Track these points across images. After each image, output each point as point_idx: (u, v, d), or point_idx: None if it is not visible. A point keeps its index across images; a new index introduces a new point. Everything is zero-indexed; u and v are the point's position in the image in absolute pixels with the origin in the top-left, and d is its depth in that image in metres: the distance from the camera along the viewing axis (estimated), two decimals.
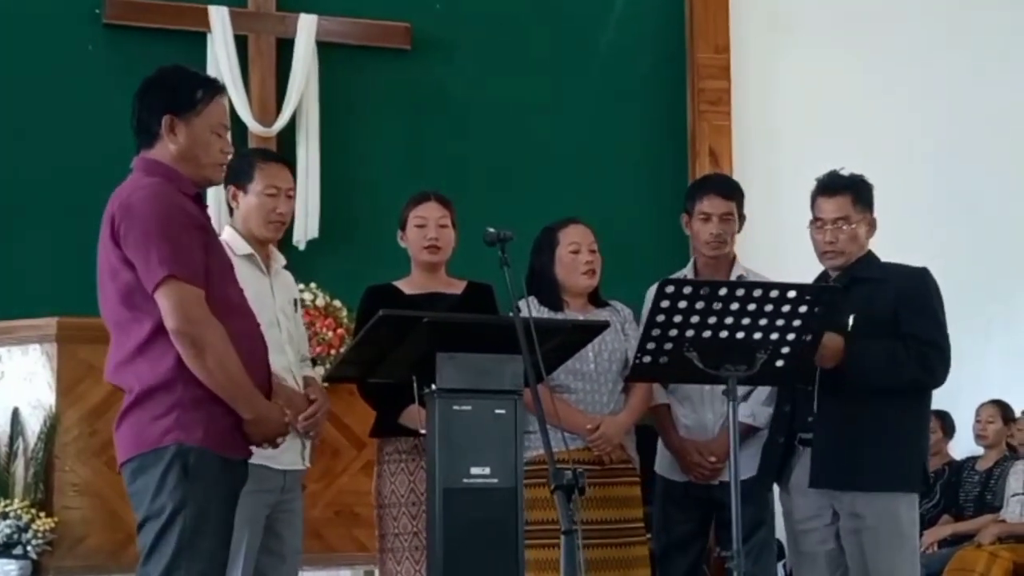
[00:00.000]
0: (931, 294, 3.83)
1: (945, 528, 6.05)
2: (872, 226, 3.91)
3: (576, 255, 4.03)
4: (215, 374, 2.93)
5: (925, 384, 3.79)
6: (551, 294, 4.04)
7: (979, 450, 6.35)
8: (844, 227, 3.83)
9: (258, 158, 3.82)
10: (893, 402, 3.76)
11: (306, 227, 5.97)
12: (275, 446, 3.21)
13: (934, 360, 3.75)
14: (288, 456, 3.37)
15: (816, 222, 3.88)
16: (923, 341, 3.74)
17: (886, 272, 3.87)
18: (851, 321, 3.74)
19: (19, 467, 5.02)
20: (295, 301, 3.82)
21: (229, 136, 3.20)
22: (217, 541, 2.97)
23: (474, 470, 3.18)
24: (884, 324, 3.76)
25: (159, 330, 2.93)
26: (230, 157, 3.23)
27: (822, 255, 3.90)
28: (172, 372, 2.93)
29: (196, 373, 2.92)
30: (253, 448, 3.12)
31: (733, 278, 4.14)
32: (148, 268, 2.92)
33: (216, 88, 3.14)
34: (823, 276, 3.97)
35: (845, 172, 3.91)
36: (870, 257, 3.91)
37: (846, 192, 3.86)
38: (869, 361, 3.70)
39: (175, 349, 2.92)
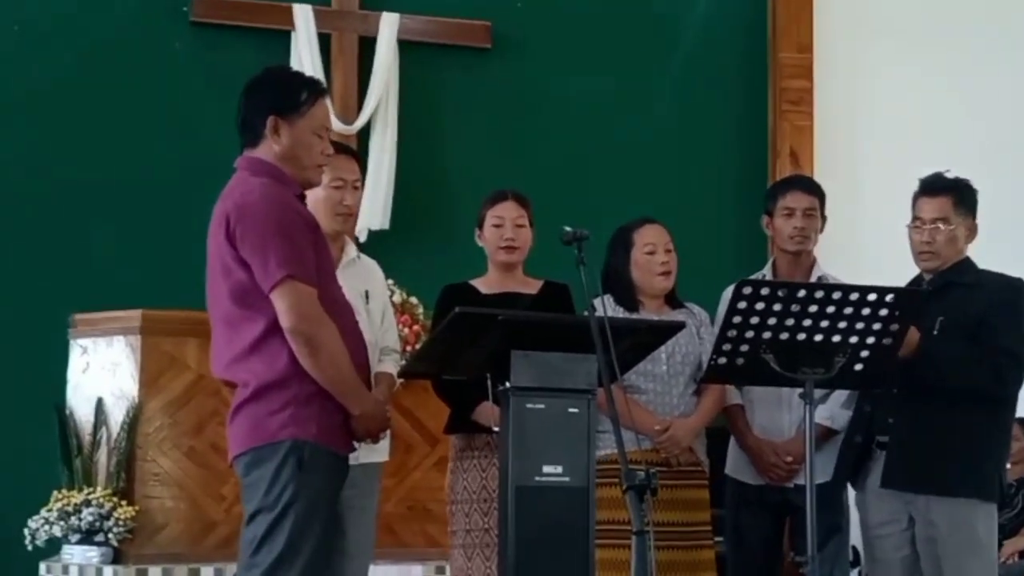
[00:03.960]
0: (1022, 305, 3.77)
1: (1022, 541, 5.93)
2: (972, 231, 3.86)
3: (652, 256, 4.01)
4: (328, 371, 3.00)
5: (993, 394, 3.72)
6: (626, 294, 4.02)
7: None
8: (942, 227, 3.78)
9: None
10: (974, 409, 3.70)
11: (372, 217, 5.98)
12: (376, 441, 3.29)
13: (1008, 371, 3.70)
14: None
15: (915, 222, 3.85)
16: (1002, 350, 3.68)
17: (980, 279, 3.82)
18: (938, 324, 3.69)
19: (102, 456, 5.13)
20: (366, 293, 3.79)
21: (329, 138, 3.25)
22: (323, 535, 3.04)
23: (546, 468, 3.17)
24: (970, 330, 3.71)
25: (272, 328, 3.00)
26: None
27: (918, 256, 3.86)
28: (288, 369, 3.00)
29: (310, 370, 2.99)
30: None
31: (813, 281, 4.09)
32: (266, 270, 2.97)
33: (320, 90, 3.19)
34: (917, 279, 3.91)
35: (950, 175, 3.87)
36: (967, 263, 3.86)
37: (947, 193, 3.82)
38: (942, 359, 3.65)
39: (288, 347, 2.99)
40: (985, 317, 3.72)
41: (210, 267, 3.11)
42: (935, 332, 3.68)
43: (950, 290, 3.76)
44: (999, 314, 3.72)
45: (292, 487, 2.97)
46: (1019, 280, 3.82)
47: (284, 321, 2.98)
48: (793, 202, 4.15)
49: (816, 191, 4.25)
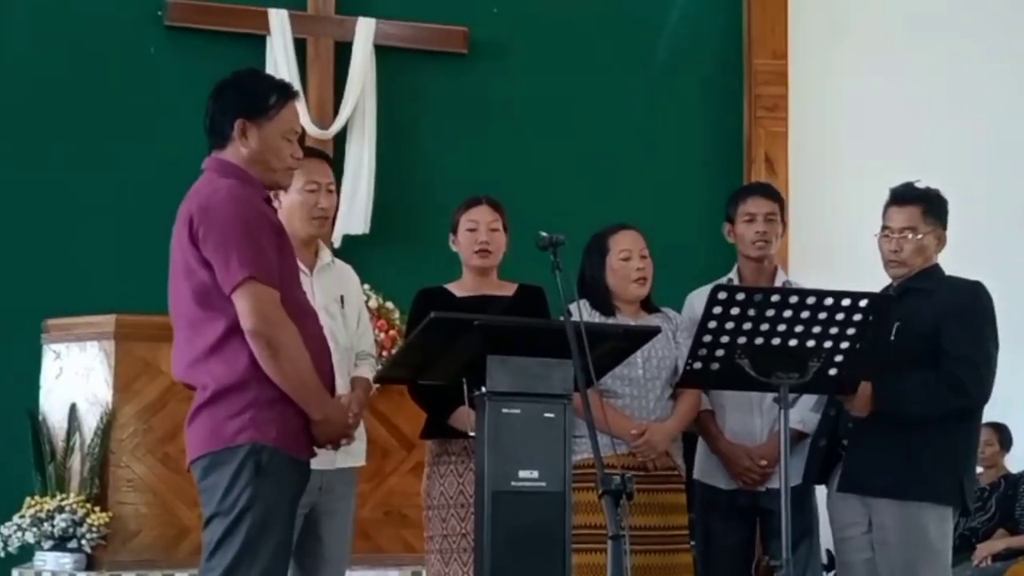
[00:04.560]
0: (977, 308, 3.79)
1: (999, 542, 5.96)
2: (941, 241, 3.89)
3: (627, 262, 4.02)
4: (288, 375, 2.97)
5: (966, 408, 3.74)
6: (602, 300, 4.03)
7: None
8: (909, 237, 3.82)
9: None
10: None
11: (351, 223, 5.98)
12: (337, 448, 3.25)
13: (967, 379, 3.70)
14: (320, 455, 3.32)
15: (884, 231, 3.89)
16: (954, 356, 3.69)
17: (939, 285, 3.84)
18: (895, 330, 3.71)
19: (76, 462, 5.10)
20: (341, 297, 3.79)
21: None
22: (281, 540, 3.01)
23: (522, 473, 3.17)
24: (924, 336, 3.73)
25: (233, 330, 2.97)
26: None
27: (887, 264, 3.90)
28: (248, 371, 2.97)
29: (270, 374, 2.96)
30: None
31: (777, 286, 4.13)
32: (228, 270, 2.95)
33: (290, 94, 3.17)
34: (889, 287, 3.94)
35: (920, 184, 3.90)
36: (933, 270, 3.88)
37: (916, 203, 3.85)
38: (905, 401, 3.67)
39: (248, 349, 2.95)
40: (941, 323, 3.73)
41: (173, 268, 3.08)
42: (892, 338, 3.69)
43: (909, 296, 3.79)
44: (954, 319, 3.74)
45: (249, 492, 2.93)
46: (976, 283, 3.84)
47: (245, 323, 2.94)
48: (754, 207, 4.19)
49: (776, 196, 4.29)
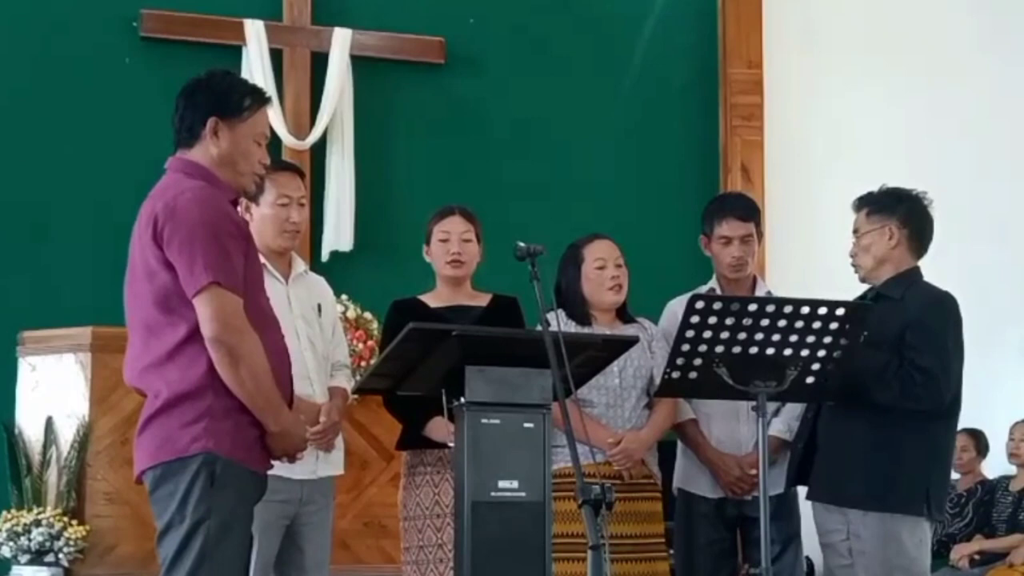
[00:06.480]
0: (941, 319, 3.76)
1: (973, 544, 5.99)
2: (894, 237, 3.84)
3: (602, 271, 4.03)
4: (247, 385, 2.89)
5: (903, 408, 3.68)
6: (578, 309, 4.03)
7: (1012, 469, 6.29)
8: (855, 238, 3.88)
9: (268, 169, 3.66)
10: (901, 422, 3.69)
11: (337, 238, 6.00)
12: (292, 461, 3.17)
13: (920, 386, 3.66)
14: (301, 466, 3.33)
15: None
16: (916, 366, 3.67)
17: (907, 292, 3.82)
18: (863, 338, 3.71)
19: (52, 475, 5.08)
20: (318, 306, 3.79)
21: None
22: (238, 553, 2.95)
23: (502, 483, 3.17)
24: (890, 344, 3.72)
25: (193, 336, 2.89)
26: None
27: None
28: (204, 379, 2.89)
29: (228, 382, 2.89)
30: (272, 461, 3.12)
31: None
32: (192, 273, 2.88)
33: (264, 98, 3.14)
34: (865, 295, 3.96)
35: (884, 187, 3.93)
36: (904, 277, 3.85)
37: (860, 206, 3.91)
38: (861, 372, 3.65)
39: (207, 356, 2.88)
40: (904, 333, 3.73)
41: (131, 269, 3.01)
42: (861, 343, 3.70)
43: (880, 303, 3.79)
44: (916, 330, 3.72)
45: (203, 504, 2.86)
46: (943, 294, 3.82)
47: (206, 329, 2.86)
48: (729, 231, 4.15)
49: (752, 215, 4.23)
